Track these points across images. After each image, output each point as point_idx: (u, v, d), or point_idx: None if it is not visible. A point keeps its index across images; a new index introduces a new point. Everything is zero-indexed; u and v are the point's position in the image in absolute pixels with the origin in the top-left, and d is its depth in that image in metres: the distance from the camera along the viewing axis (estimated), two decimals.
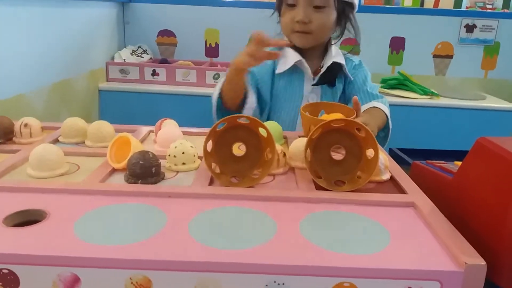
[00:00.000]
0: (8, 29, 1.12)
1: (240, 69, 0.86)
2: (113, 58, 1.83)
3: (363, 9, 2.16)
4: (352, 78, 1.04)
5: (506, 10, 3.00)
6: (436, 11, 2.04)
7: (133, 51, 1.88)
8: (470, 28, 1.89)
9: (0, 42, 1.08)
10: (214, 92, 0.95)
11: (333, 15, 0.99)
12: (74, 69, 1.51)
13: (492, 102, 1.73)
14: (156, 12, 1.94)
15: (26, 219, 0.48)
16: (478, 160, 0.51)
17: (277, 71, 1.01)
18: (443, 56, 1.94)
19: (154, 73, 1.77)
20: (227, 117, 0.58)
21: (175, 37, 1.97)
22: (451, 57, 1.94)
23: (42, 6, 1.29)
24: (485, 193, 0.48)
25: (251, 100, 0.94)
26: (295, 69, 1.01)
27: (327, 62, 1.01)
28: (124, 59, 1.82)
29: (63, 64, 1.43)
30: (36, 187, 0.54)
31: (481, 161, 0.50)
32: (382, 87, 1.83)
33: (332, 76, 1.02)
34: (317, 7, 0.96)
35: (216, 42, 1.96)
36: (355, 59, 1.09)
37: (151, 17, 1.94)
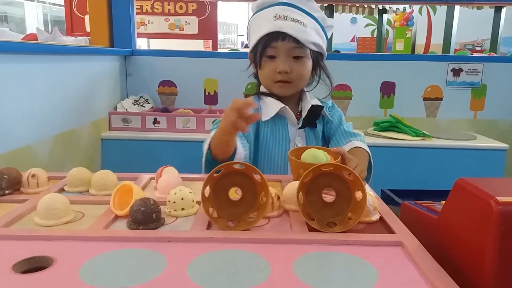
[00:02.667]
0: (15, 85, 1.18)
1: (228, 131, 0.83)
2: (115, 108, 1.90)
3: (356, 56, 2.26)
4: (330, 118, 1.12)
5: (493, 54, 3.13)
6: (423, 57, 2.14)
7: (135, 101, 1.95)
8: (456, 72, 1.98)
9: (7, 97, 1.14)
10: (204, 145, 0.94)
11: (309, 64, 1.07)
12: (78, 120, 1.57)
13: (483, 142, 1.78)
14: (157, 64, 2.04)
15: (34, 265, 0.50)
16: (457, 200, 0.54)
17: (263, 119, 1.07)
18: (432, 98, 2.02)
19: (155, 121, 1.83)
20: (224, 164, 0.62)
21: (176, 87, 2.05)
22: (440, 99, 2.02)
23: (48, 62, 1.37)
24: (466, 232, 0.51)
25: (239, 152, 0.95)
26: (278, 115, 1.07)
27: (306, 106, 1.09)
28: (127, 109, 1.89)
29: (67, 115, 1.49)
30: (43, 235, 0.57)
31: (460, 201, 0.54)
32: (374, 129, 1.89)
33: (314, 118, 1.09)
34: (296, 58, 1.03)
35: (214, 91, 2.04)
36: (329, 101, 1.17)
37: (152, 68, 2.04)
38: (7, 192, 0.73)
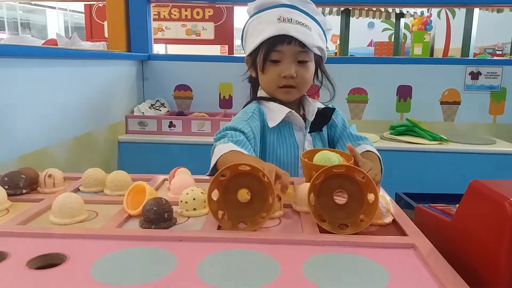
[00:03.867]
0: (36, 89, 1.21)
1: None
2: (132, 112, 1.93)
3: (372, 60, 2.25)
4: (336, 121, 1.09)
5: None
6: (440, 60, 2.11)
7: (152, 105, 1.98)
8: (475, 75, 1.94)
9: (28, 100, 1.17)
10: (212, 157, 0.90)
11: (312, 68, 1.04)
12: (95, 123, 1.60)
13: (502, 146, 1.74)
14: (173, 69, 2.06)
15: (48, 262, 0.51)
16: (472, 202, 0.53)
17: (271, 125, 1.03)
18: (450, 102, 1.99)
19: (171, 125, 1.85)
20: (229, 165, 0.62)
21: (191, 91, 2.08)
22: (458, 103, 1.98)
23: (67, 66, 1.40)
24: (480, 234, 0.50)
25: None
26: (282, 121, 1.03)
27: (311, 110, 1.06)
28: (143, 112, 1.91)
29: (85, 118, 1.52)
30: (57, 233, 0.58)
31: (474, 203, 0.53)
32: (391, 133, 1.86)
33: (324, 122, 1.06)
34: (301, 62, 1.00)
35: (229, 95, 2.05)
36: (329, 105, 1.13)
37: (168, 73, 2.06)
38: (24, 191, 0.75)
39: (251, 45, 1.03)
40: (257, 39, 1.01)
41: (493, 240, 0.47)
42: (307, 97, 1.11)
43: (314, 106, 1.07)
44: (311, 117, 1.05)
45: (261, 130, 1.03)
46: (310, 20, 1.02)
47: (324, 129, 1.09)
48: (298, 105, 1.11)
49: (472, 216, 0.53)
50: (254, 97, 1.11)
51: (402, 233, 0.61)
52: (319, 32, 1.04)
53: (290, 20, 0.98)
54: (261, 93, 1.10)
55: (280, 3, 1.01)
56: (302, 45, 0.98)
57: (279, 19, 0.98)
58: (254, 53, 1.04)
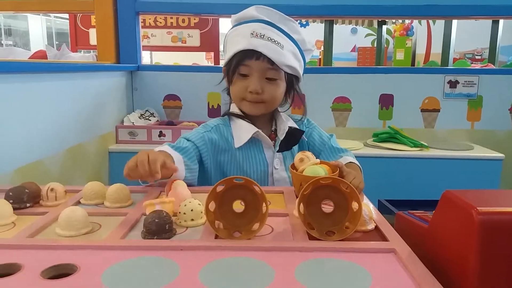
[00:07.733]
0: (27, 103, 1.24)
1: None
2: (122, 122, 1.96)
3: (355, 70, 2.33)
4: (306, 139, 1.11)
5: (491, 65, 3.19)
6: (420, 70, 2.20)
7: (141, 115, 2.01)
8: (453, 84, 2.03)
9: (20, 114, 1.20)
10: None
11: (283, 86, 1.04)
12: (86, 134, 1.62)
13: (480, 152, 1.83)
14: (162, 79, 2.10)
15: (60, 272, 0.55)
16: (444, 211, 0.59)
17: (236, 145, 1.05)
18: (430, 110, 2.08)
19: (160, 134, 1.89)
20: (225, 179, 0.67)
21: (180, 100, 2.12)
22: (438, 111, 2.07)
23: (57, 80, 1.43)
24: (452, 240, 0.56)
25: (179, 175, 0.92)
26: (251, 139, 1.05)
27: (282, 127, 1.07)
28: (133, 122, 1.95)
29: (76, 130, 1.54)
30: (66, 244, 0.63)
31: (447, 211, 0.59)
32: (374, 140, 1.94)
33: (293, 142, 1.07)
34: (269, 79, 1.01)
35: (218, 104, 2.10)
36: (302, 117, 1.15)
37: (157, 83, 2.10)
38: (28, 205, 0.79)
39: (227, 56, 1.05)
40: (231, 51, 1.02)
41: (463, 245, 0.53)
42: (280, 113, 1.11)
43: (285, 124, 1.07)
44: (281, 135, 1.06)
45: (228, 149, 1.05)
46: (285, 38, 1.01)
47: (296, 147, 1.09)
48: (270, 120, 1.11)
49: (445, 223, 0.59)
50: (226, 112, 1.13)
51: (384, 238, 0.67)
52: (294, 51, 1.03)
53: (262, 36, 0.98)
54: (234, 107, 1.11)
55: (258, 18, 1.02)
56: (271, 62, 0.98)
57: (252, 33, 0.99)
58: (228, 64, 1.05)
